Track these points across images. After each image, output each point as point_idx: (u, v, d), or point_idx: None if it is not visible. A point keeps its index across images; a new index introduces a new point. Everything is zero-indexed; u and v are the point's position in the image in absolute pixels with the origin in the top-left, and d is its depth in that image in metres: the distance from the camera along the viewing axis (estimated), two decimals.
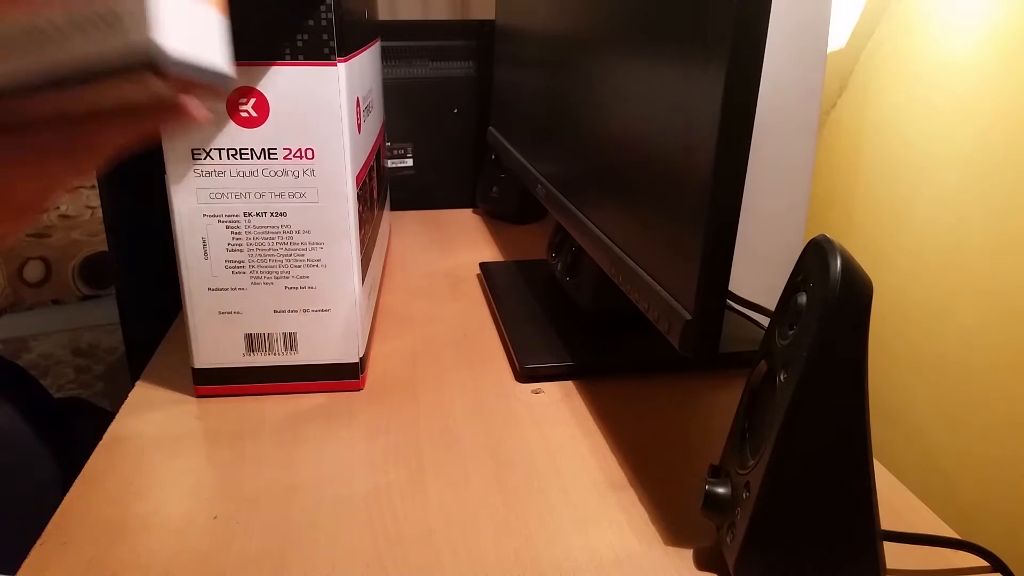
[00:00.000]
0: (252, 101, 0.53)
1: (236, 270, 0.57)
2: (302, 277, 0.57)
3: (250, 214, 0.55)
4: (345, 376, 0.60)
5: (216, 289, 0.57)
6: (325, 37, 0.52)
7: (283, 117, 0.53)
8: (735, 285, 0.51)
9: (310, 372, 0.60)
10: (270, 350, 0.59)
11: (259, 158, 0.54)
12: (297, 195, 0.55)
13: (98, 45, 0.32)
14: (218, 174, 0.54)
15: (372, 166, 0.71)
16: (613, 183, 0.56)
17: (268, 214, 0.56)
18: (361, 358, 0.61)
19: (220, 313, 0.58)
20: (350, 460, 0.52)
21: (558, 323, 0.71)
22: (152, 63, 0.31)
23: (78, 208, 1.63)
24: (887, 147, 0.71)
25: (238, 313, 0.58)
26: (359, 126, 0.61)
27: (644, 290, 0.49)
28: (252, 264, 0.57)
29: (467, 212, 1.14)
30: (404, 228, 1.05)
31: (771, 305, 0.44)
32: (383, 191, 0.86)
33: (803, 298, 0.39)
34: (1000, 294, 0.59)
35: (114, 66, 0.32)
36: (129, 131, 0.36)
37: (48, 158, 0.36)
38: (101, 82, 0.32)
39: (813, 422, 0.37)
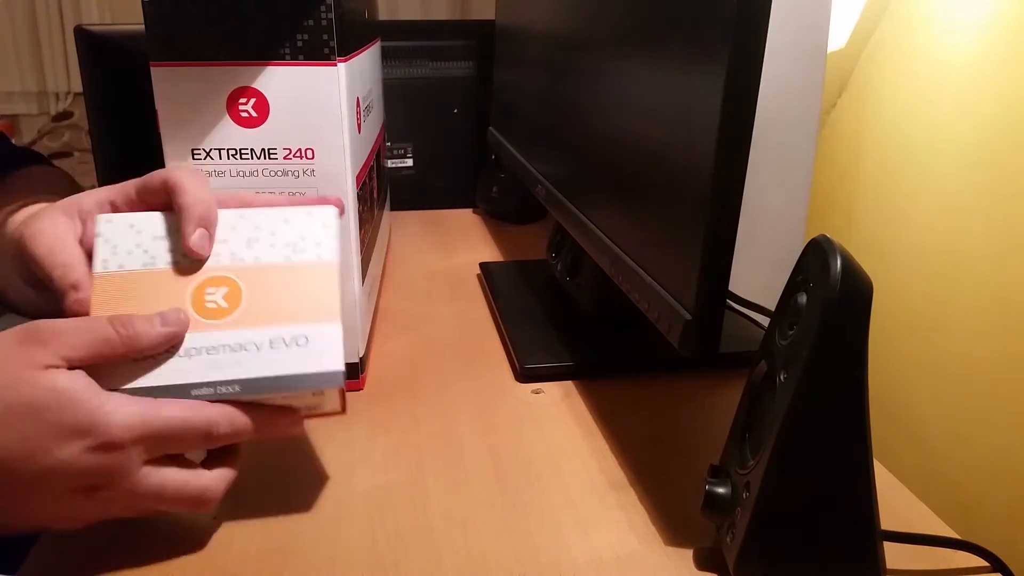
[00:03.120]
0: (252, 101, 0.53)
1: None
2: None
3: None
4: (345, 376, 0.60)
5: None
6: (325, 37, 0.52)
7: (283, 117, 0.53)
8: (735, 285, 0.51)
9: None
10: None
11: (259, 158, 0.54)
12: (297, 195, 0.55)
13: (297, 365, 0.42)
14: (218, 174, 0.54)
15: (372, 166, 0.71)
16: (613, 183, 0.56)
17: None
18: (361, 358, 0.61)
19: None
20: (350, 460, 0.52)
21: (558, 323, 0.71)
22: (340, 384, 0.43)
23: None
24: (887, 147, 0.71)
25: None
26: (359, 126, 0.61)
27: (644, 290, 0.49)
28: None
29: (467, 212, 1.14)
30: (404, 228, 1.05)
31: (771, 305, 0.44)
32: (383, 191, 0.86)
33: (803, 298, 0.39)
34: (1000, 294, 0.59)
35: (311, 384, 0.42)
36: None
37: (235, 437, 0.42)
38: (296, 392, 0.43)
39: (813, 422, 0.37)
